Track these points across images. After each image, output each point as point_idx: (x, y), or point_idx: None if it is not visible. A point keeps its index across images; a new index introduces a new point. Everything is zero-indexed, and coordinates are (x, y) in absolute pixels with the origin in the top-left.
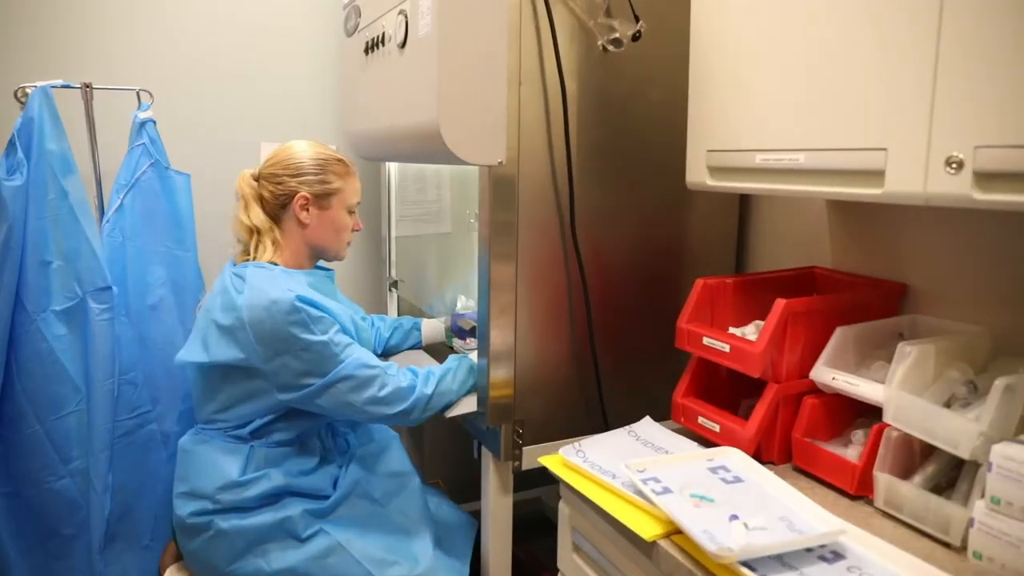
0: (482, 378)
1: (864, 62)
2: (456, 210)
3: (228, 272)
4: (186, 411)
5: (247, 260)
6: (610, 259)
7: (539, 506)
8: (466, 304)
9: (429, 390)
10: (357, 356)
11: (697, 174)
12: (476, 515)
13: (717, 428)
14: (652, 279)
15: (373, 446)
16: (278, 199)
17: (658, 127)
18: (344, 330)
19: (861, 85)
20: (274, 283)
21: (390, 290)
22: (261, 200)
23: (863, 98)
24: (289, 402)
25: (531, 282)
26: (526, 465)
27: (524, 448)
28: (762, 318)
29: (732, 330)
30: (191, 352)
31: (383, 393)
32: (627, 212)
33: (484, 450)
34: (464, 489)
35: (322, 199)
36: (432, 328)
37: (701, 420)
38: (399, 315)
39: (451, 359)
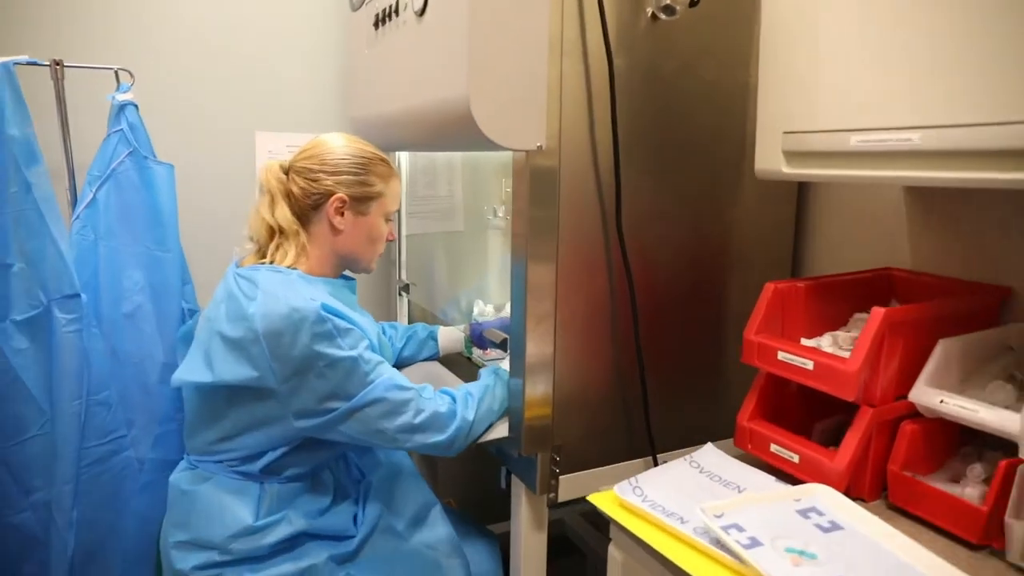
0: (515, 398)
1: (1014, 9)
2: (469, 206)
3: (233, 276)
4: (163, 435)
5: (260, 263)
6: (656, 259)
7: (561, 528)
8: (483, 310)
9: (471, 415)
10: (389, 376)
11: (769, 160)
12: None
13: (796, 459)
14: (700, 282)
15: (384, 471)
16: (310, 198)
17: (712, 108)
18: (372, 346)
19: (1008, 41)
20: (293, 289)
21: (400, 295)
22: (289, 197)
23: (1011, 57)
24: (307, 430)
25: (572, 287)
26: (564, 496)
27: (560, 476)
28: (834, 327)
29: (804, 342)
30: (191, 370)
31: (419, 420)
32: (674, 206)
33: (514, 479)
34: (478, 507)
35: (361, 203)
36: (450, 337)
37: (775, 448)
38: (410, 322)
39: (485, 374)
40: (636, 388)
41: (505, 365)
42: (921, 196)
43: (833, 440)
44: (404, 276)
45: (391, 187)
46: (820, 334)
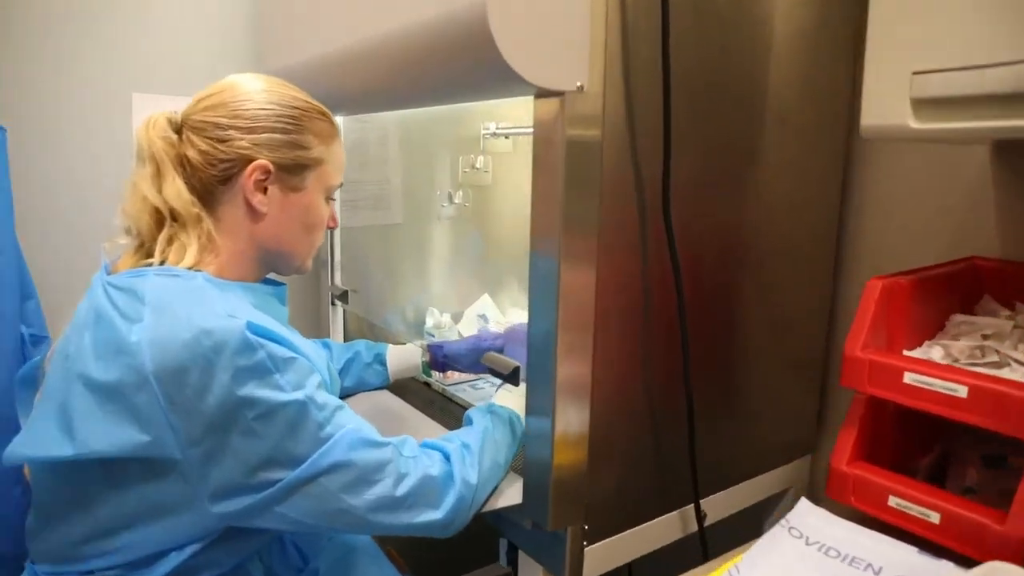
0: (538, 447)
1: None
2: (416, 192)
3: (103, 287)
4: None
5: (144, 265)
6: (703, 254)
7: None
8: (439, 321)
9: (474, 476)
10: (354, 428)
11: (887, 113)
12: None
13: (935, 518)
14: (747, 281)
15: (333, 553)
16: (217, 167)
17: (773, 56)
18: (325, 384)
19: None
20: (200, 302)
21: (334, 304)
22: (184, 166)
23: None
24: (231, 516)
25: (611, 293)
26: (590, 573)
27: (587, 547)
28: (929, 334)
29: (907, 353)
30: (38, 439)
31: (402, 490)
32: (720, 185)
33: (522, 558)
34: (428, 559)
35: (292, 174)
36: (402, 358)
37: (898, 503)
38: (347, 339)
39: (478, 416)
40: (679, 423)
41: (502, 400)
42: (1017, 167)
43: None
44: (339, 280)
45: (334, 151)
46: (919, 343)
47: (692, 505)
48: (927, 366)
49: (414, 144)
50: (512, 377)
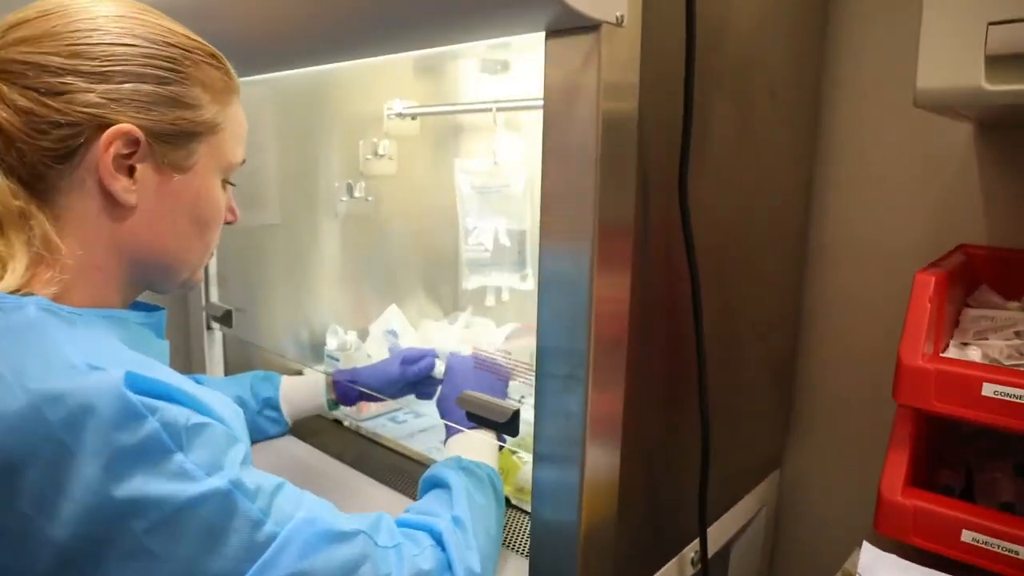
0: (553, 512)
1: None
2: (296, 184)
3: None
4: None
5: None
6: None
7: None
8: (344, 341)
9: (476, 562)
10: (305, 517)
11: (952, 73)
12: None
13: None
14: (739, 278)
15: None
16: (47, 135)
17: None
18: (246, 454)
19: None
20: (40, 350)
21: (209, 328)
22: None
23: None
24: None
25: (649, 304)
26: None
27: None
28: (950, 332)
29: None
30: None
31: None
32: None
33: None
34: None
35: (173, 146)
36: (301, 396)
37: (975, 539)
38: (227, 372)
39: (451, 473)
40: (683, 447)
41: (457, 450)
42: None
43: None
44: (216, 296)
45: (232, 114)
46: (945, 345)
47: (691, 546)
48: (1008, 375)
49: (299, 124)
50: (510, 425)
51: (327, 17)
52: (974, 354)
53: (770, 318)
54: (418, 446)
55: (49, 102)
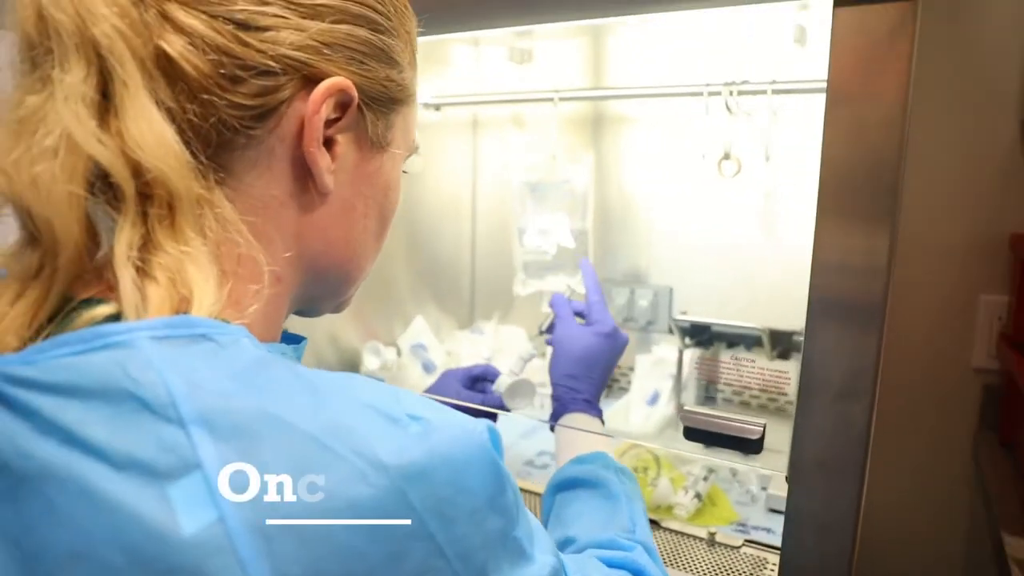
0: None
1: None
2: None
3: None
4: None
5: (70, 314)
6: None
7: None
8: (386, 360)
9: None
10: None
11: None
12: None
13: None
14: None
15: None
16: (243, 85)
17: None
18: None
19: None
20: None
21: None
22: (166, 79)
23: None
24: None
25: None
26: None
27: None
28: None
29: None
30: None
31: None
32: None
33: None
34: None
35: (380, 114)
36: None
37: None
38: None
39: (613, 475)
40: None
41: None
42: None
43: None
44: None
45: (416, 82)
46: None
47: None
48: None
49: None
50: (758, 444)
51: None
52: None
53: None
54: None
55: (249, 39)
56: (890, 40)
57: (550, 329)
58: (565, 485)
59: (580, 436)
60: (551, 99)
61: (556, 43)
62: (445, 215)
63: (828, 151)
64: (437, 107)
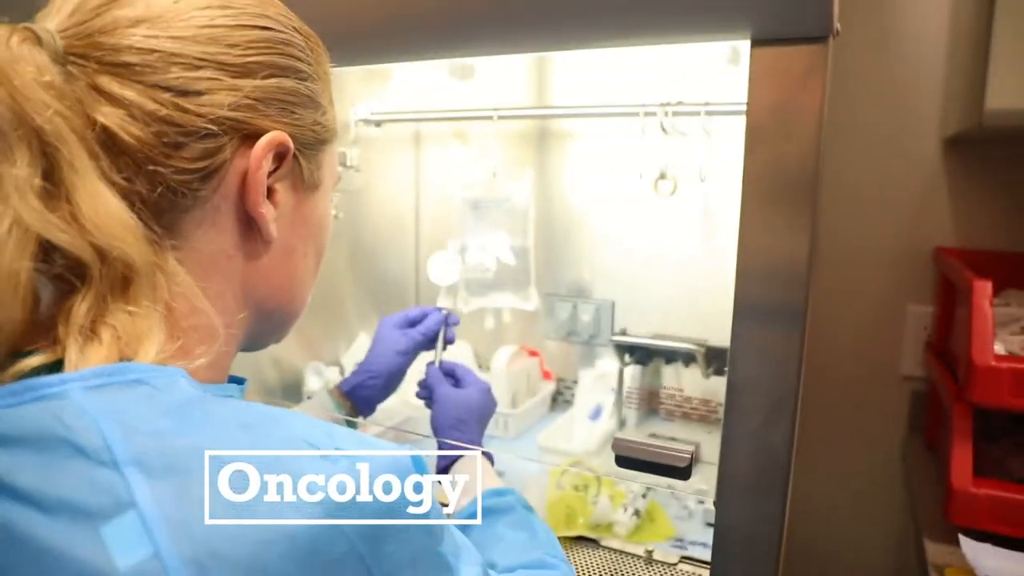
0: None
1: None
2: None
3: None
4: None
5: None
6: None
7: None
8: (328, 379)
9: None
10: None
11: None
12: None
13: None
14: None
15: None
16: (185, 150)
17: None
18: None
19: None
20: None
21: None
22: (106, 153)
23: None
24: None
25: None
26: None
27: None
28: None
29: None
30: None
31: None
32: None
33: None
34: None
35: (309, 159)
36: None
37: None
38: None
39: (519, 508)
40: None
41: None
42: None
43: None
44: None
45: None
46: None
47: None
48: None
49: None
50: (686, 471)
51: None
52: (1016, 344)
53: None
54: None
55: (187, 105)
56: (805, 78)
57: (427, 394)
58: (484, 513)
59: (486, 474)
60: (490, 116)
61: (498, 60)
62: (389, 231)
63: (749, 178)
64: (378, 123)
